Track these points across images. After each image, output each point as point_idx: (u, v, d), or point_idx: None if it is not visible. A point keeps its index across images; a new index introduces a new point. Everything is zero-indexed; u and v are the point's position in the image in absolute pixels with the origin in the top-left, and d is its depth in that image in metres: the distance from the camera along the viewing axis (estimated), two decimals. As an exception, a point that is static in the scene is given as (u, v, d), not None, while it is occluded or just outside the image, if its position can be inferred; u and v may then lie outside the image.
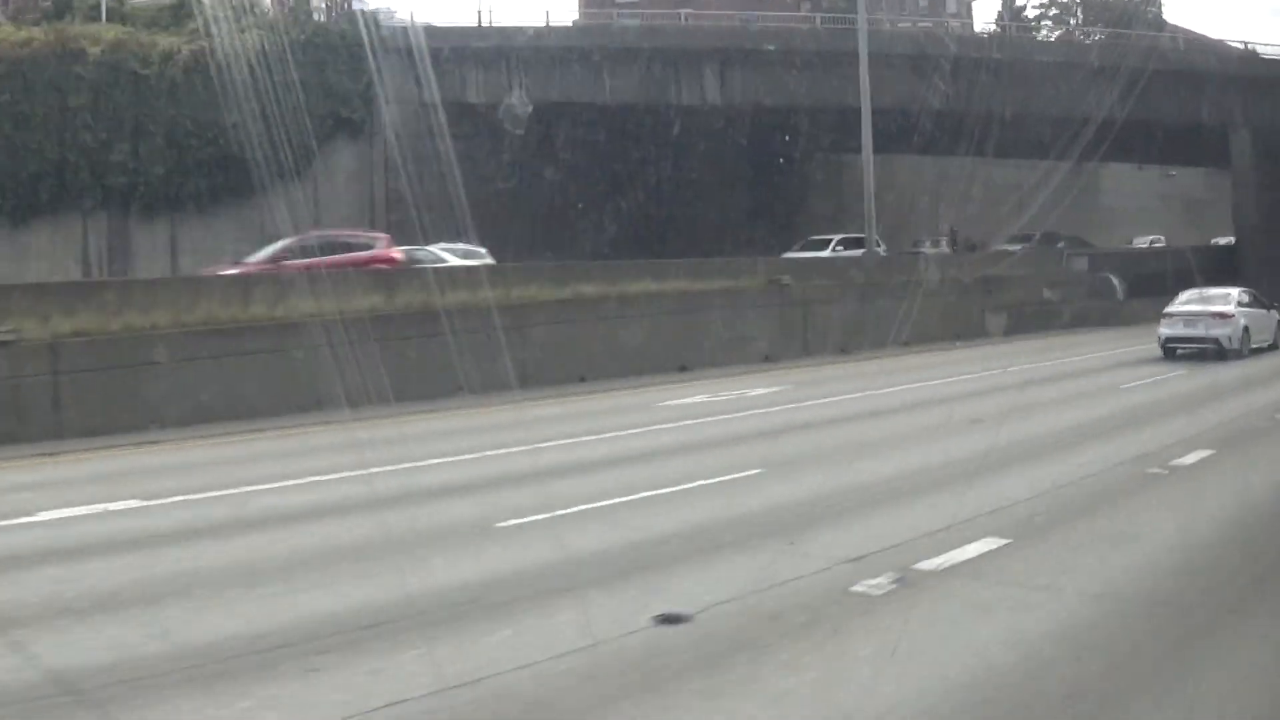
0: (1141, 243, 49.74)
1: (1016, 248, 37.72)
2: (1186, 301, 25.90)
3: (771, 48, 41.78)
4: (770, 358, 27.63)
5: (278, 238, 43.14)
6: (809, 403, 20.23)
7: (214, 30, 42.42)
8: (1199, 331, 24.84)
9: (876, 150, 56.91)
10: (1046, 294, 35.10)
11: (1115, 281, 37.63)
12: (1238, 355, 24.58)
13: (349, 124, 42.34)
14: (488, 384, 23.39)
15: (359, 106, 42.32)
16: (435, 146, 45.31)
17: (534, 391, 22.57)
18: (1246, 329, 25.45)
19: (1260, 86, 43.60)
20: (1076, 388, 20.79)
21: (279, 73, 42.53)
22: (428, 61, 44.54)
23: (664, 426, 17.42)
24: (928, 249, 40.27)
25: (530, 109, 43.28)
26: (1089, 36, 55.65)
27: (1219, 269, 43.81)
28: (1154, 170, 59.04)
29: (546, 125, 43.07)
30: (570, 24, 44.81)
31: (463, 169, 44.57)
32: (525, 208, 42.52)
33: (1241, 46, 44.94)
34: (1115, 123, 43.84)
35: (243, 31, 42.79)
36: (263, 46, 42.32)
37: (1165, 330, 25.31)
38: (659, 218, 43.91)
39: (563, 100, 42.29)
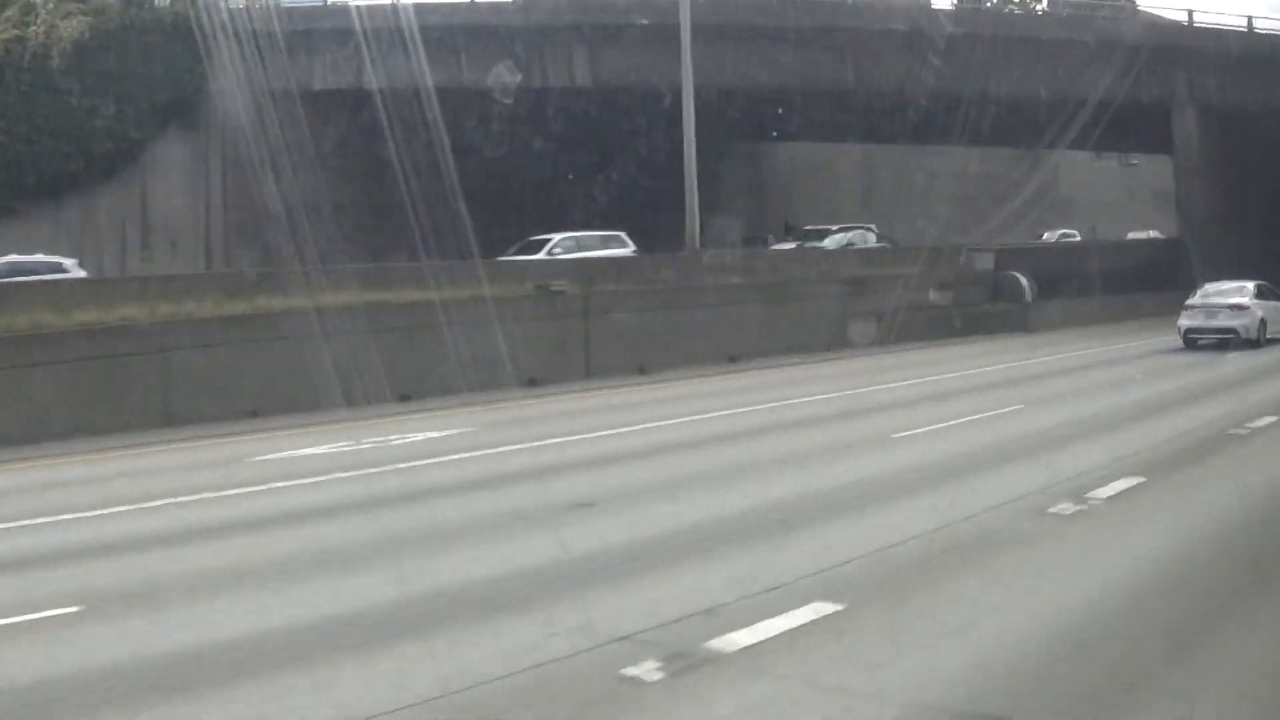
0: (1051, 237, 41.94)
1: (791, 245, 30.27)
2: (1205, 295, 25.50)
3: (645, 21, 34.72)
4: (536, 381, 20.74)
5: (98, 239, 37.03)
6: (445, 458, 13.50)
7: (30, 17, 36.34)
8: (1218, 323, 24.60)
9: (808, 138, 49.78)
10: (934, 296, 27.79)
11: (1023, 282, 30.22)
12: (1254, 345, 23.94)
13: (182, 116, 35.85)
14: (96, 427, 16.92)
15: (194, 96, 35.81)
16: (279, 139, 38.92)
17: (159, 434, 16.35)
18: (1263, 320, 24.89)
19: (1206, 59, 35.89)
20: (830, 438, 13.73)
21: (103, 61, 36.33)
22: (269, 45, 38.28)
23: (194, 499, 11.11)
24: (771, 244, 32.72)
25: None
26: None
27: (1157, 267, 36.39)
28: (1113, 160, 51.31)
29: (405, 113, 36.44)
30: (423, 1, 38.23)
31: (310, 163, 38.33)
32: (381, 202, 35.90)
33: (1184, 16, 37.22)
34: (1037, 104, 36.53)
35: (65, 17, 36.58)
36: (86, 33, 36.21)
37: (1186, 322, 25.02)
38: (531, 213, 37.05)
39: (418, 85, 35.55)
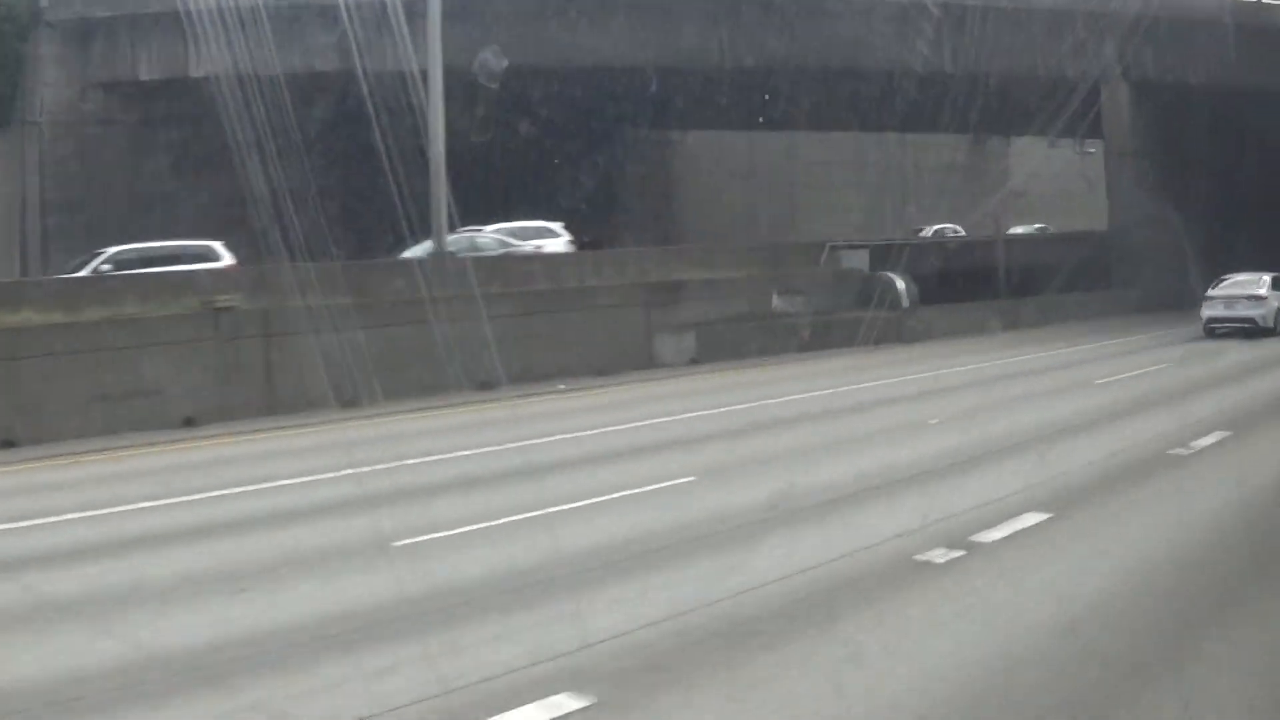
0: (926, 232, 35.92)
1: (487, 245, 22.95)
2: (1225, 286, 25.68)
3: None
4: (195, 420, 15.73)
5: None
6: None
7: None
8: (1237, 312, 24.93)
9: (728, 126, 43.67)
10: (778, 303, 22.43)
11: (899, 285, 24.67)
12: (1271, 334, 24.26)
13: (-5, 112, 31.18)
14: None
15: (7, 90, 31.12)
16: (105, 136, 34.27)
17: None
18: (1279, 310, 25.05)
19: (1143, 27, 30.16)
20: (332, 538, 8.64)
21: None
22: (92, 34, 33.48)
23: None
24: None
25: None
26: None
27: (1084, 264, 30.73)
28: (1067, 146, 45.36)
29: (234, 102, 31.60)
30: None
31: (141, 160, 33.58)
32: (205, 200, 31.13)
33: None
34: (947, 80, 31.01)
35: None
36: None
37: (1207, 311, 25.23)
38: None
39: (253, 71, 30.75)
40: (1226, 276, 25.75)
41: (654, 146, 39.15)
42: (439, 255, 19.24)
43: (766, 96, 32.99)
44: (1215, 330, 24.76)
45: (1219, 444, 11.77)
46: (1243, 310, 24.81)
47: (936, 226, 35.21)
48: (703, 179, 40.25)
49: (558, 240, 23.39)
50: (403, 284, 18.23)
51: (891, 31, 30.14)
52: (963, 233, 33.69)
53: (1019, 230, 35.18)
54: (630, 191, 38.08)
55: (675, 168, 39.89)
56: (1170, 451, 11.36)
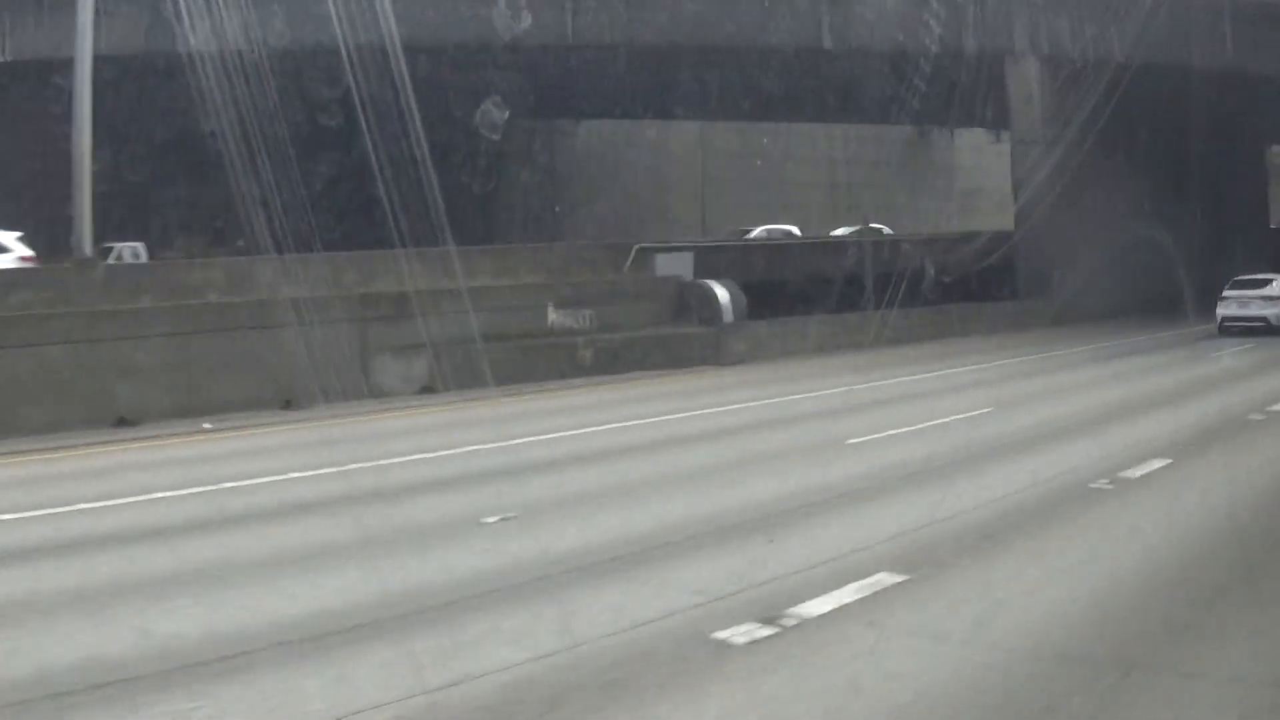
0: (756, 233, 31.71)
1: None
2: (1240, 286, 26.31)
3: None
4: None
5: None
6: None
7: None
8: (1250, 311, 25.64)
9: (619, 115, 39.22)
10: (555, 318, 18.91)
11: (720, 296, 20.91)
12: None
13: None
14: None
15: None
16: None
17: None
18: None
19: (1052, -3, 26.40)
20: None
21: None
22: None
23: None
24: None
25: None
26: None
27: (982, 270, 27.04)
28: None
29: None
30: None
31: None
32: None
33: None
34: (819, 61, 27.42)
35: None
36: None
37: (1221, 311, 25.89)
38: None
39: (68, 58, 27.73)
40: (1256, 276, 26.28)
41: (538, 136, 35.70)
42: (84, 262, 15.93)
43: (706, 83, 29.19)
44: (1229, 328, 25.52)
45: (867, 601, 6.61)
46: (1255, 310, 25.64)
47: (767, 227, 31.32)
48: (598, 173, 36.76)
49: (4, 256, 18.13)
50: (27, 297, 14.93)
51: (800, 9, 26.58)
52: (798, 233, 29.79)
53: (840, 232, 30.65)
54: (508, 187, 34.62)
55: (564, 161, 36.40)
56: (710, 640, 6.00)
